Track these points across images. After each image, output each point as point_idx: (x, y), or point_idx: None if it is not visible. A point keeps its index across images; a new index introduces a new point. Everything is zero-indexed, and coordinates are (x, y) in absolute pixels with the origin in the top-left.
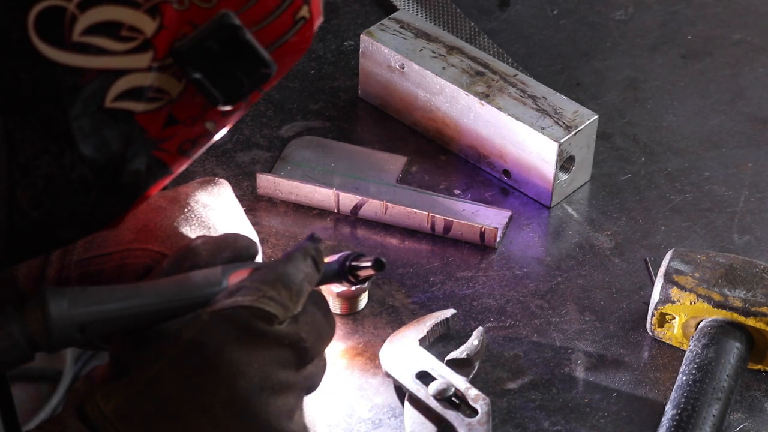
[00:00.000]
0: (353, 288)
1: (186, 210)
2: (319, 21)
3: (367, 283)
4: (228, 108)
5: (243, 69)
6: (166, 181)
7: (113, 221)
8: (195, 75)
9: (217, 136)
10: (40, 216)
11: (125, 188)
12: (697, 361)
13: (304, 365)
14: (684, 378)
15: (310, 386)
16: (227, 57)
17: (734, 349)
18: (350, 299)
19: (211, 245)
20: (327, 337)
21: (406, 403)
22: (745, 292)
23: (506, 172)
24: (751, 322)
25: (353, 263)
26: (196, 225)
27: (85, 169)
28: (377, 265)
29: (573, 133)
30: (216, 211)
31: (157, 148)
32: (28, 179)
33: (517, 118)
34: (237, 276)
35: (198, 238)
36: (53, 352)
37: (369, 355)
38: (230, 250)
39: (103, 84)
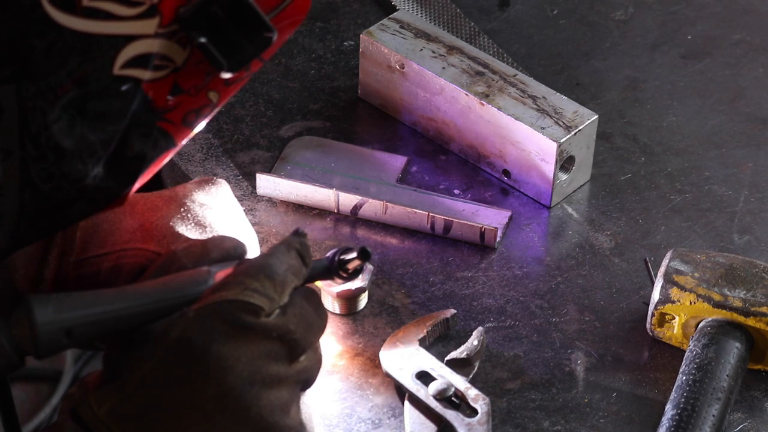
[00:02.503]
0: (353, 288)
1: (183, 209)
2: None
3: (366, 282)
4: (231, 75)
5: (246, 33)
6: (171, 154)
7: (119, 197)
8: (200, 39)
9: (217, 109)
10: (51, 190)
11: (131, 160)
12: (697, 361)
13: (296, 358)
14: (684, 378)
15: (306, 380)
16: (230, 21)
17: (734, 349)
18: (350, 299)
19: (198, 248)
20: (318, 329)
21: (406, 403)
22: (745, 292)
23: (506, 172)
24: (751, 322)
25: (341, 257)
26: (193, 225)
27: (93, 139)
28: (362, 254)
29: (573, 133)
30: (213, 210)
31: (162, 119)
32: (39, 151)
33: (517, 118)
34: (223, 274)
35: (185, 241)
36: (42, 358)
37: (369, 355)
38: (217, 251)
39: (111, 51)
